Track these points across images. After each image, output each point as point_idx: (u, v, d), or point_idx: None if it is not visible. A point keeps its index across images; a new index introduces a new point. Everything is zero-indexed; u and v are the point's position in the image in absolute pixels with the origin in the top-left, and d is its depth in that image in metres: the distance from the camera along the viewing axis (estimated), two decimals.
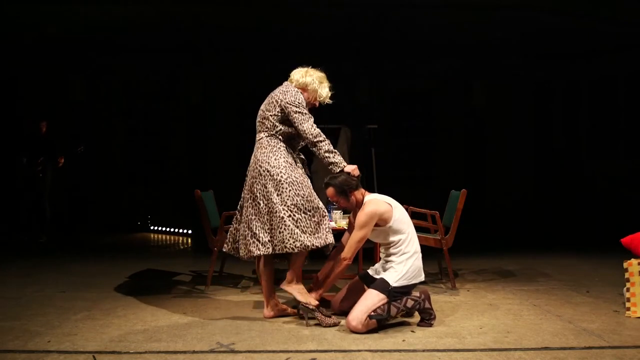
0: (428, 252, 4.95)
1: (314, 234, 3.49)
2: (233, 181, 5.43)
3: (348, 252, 3.47)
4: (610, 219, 8.70)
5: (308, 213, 3.50)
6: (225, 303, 4.13)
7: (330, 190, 3.57)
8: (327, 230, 3.54)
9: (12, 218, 8.57)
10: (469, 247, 6.87)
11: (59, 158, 7.73)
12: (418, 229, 4.95)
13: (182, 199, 9.03)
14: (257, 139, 3.67)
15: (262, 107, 3.70)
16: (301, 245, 3.44)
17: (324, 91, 3.78)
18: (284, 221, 3.45)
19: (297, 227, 3.46)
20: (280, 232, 3.45)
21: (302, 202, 3.50)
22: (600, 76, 9.96)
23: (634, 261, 3.67)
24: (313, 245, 3.47)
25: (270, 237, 3.49)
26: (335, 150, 3.60)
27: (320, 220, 3.53)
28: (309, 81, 3.71)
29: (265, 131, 3.63)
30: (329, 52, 9.25)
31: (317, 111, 4.24)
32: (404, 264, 3.48)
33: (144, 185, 10.12)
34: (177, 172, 10.04)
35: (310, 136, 3.53)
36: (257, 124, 3.69)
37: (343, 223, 4.27)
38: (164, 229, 9.19)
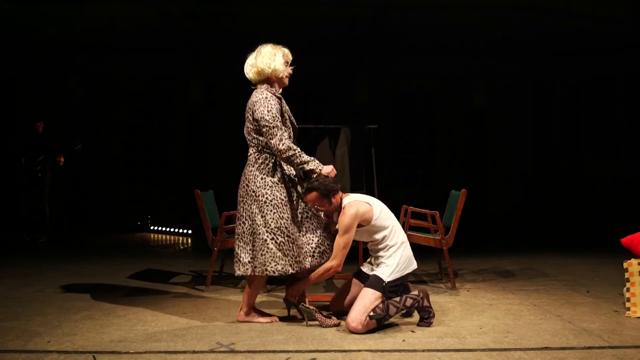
0: (428, 252, 4.97)
1: (296, 258, 3.43)
2: (233, 181, 5.41)
3: (335, 259, 3.40)
4: (610, 219, 8.70)
5: (292, 236, 3.44)
6: (225, 303, 4.13)
7: (313, 195, 3.42)
8: (311, 254, 3.49)
9: (12, 218, 8.57)
10: (469, 247, 6.87)
11: (59, 157, 7.73)
12: (418, 229, 4.97)
13: (182, 199, 9.04)
14: (248, 154, 3.57)
15: (245, 118, 3.57)
16: (282, 269, 3.39)
17: (279, 63, 3.51)
18: (267, 244, 3.40)
19: (280, 250, 3.40)
20: (262, 255, 3.40)
21: (285, 224, 3.43)
22: (600, 76, 9.97)
23: (634, 261, 3.67)
24: (293, 269, 3.43)
25: (252, 258, 3.45)
26: (310, 158, 3.44)
27: (303, 242, 3.49)
28: (264, 67, 3.49)
29: (253, 146, 3.53)
30: (329, 52, 9.27)
31: (318, 111, 4.23)
32: (393, 257, 3.46)
33: (144, 185, 10.13)
34: (177, 172, 10.05)
35: (278, 153, 3.38)
36: (245, 135, 3.58)
37: None
38: (164, 229, 9.19)
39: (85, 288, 4.63)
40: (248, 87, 3.66)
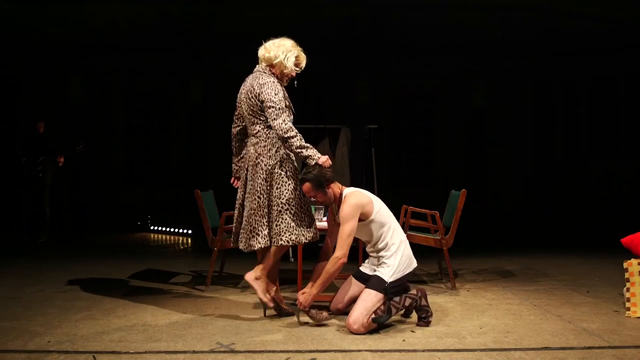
0: (428, 252, 4.96)
1: (307, 228, 3.57)
2: None
3: (341, 249, 3.39)
4: (610, 219, 8.70)
5: (302, 208, 3.57)
6: (225, 303, 4.13)
7: (306, 186, 3.49)
8: (315, 225, 3.66)
9: (12, 218, 8.57)
10: (469, 247, 6.87)
11: (59, 157, 7.73)
12: (418, 229, 4.97)
13: (182, 199, 9.03)
14: (253, 132, 3.61)
15: (245, 99, 3.60)
16: (296, 238, 3.51)
17: (290, 61, 3.64)
18: (282, 215, 3.51)
19: (294, 220, 3.52)
20: (277, 225, 3.50)
21: (298, 196, 3.56)
22: (600, 76, 9.97)
23: (634, 261, 3.67)
24: (306, 239, 3.56)
25: (269, 230, 3.53)
26: (308, 145, 3.50)
27: (310, 215, 3.64)
28: (272, 56, 3.62)
29: (260, 123, 3.59)
30: (329, 52, 9.27)
31: (318, 111, 4.22)
32: (394, 256, 3.46)
33: (144, 185, 10.13)
34: (177, 172, 10.05)
35: (281, 132, 3.45)
36: (249, 115, 3.60)
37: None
38: (164, 229, 9.19)
39: (85, 288, 4.63)
40: None
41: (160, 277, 5.24)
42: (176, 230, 8.94)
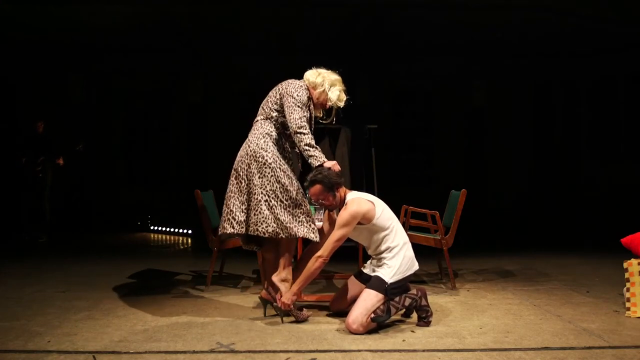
0: (428, 252, 4.96)
1: (289, 224, 3.47)
2: None
3: (325, 250, 3.39)
4: (610, 219, 8.70)
5: (285, 202, 3.50)
6: (225, 303, 4.13)
7: (316, 188, 3.44)
8: (302, 223, 3.52)
9: (12, 218, 8.57)
10: (469, 247, 6.87)
11: (59, 159, 7.73)
12: (418, 229, 4.97)
13: (182, 199, 9.04)
14: (254, 121, 3.71)
15: (268, 95, 3.74)
16: (273, 231, 3.46)
17: (334, 94, 3.70)
18: (260, 205, 3.48)
19: (272, 213, 3.48)
20: (255, 215, 3.49)
21: (280, 189, 3.50)
22: (600, 76, 9.97)
23: (634, 261, 3.67)
24: (287, 234, 3.47)
25: (246, 217, 3.52)
26: (317, 146, 3.52)
27: (296, 212, 3.52)
28: (318, 82, 3.70)
29: (262, 114, 3.68)
30: (329, 51, 9.27)
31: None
32: (395, 258, 3.45)
33: (144, 185, 10.13)
34: (177, 172, 10.05)
35: (295, 126, 3.48)
36: (260, 107, 3.73)
37: None
38: (164, 229, 9.19)
39: (85, 288, 4.63)
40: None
41: (160, 277, 5.25)
42: (176, 230, 8.94)
